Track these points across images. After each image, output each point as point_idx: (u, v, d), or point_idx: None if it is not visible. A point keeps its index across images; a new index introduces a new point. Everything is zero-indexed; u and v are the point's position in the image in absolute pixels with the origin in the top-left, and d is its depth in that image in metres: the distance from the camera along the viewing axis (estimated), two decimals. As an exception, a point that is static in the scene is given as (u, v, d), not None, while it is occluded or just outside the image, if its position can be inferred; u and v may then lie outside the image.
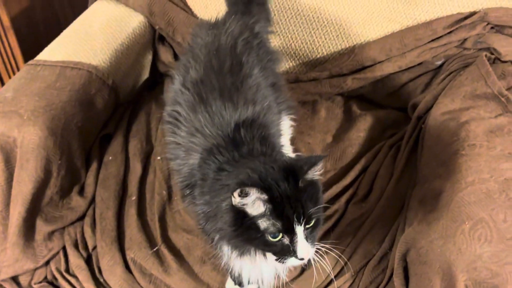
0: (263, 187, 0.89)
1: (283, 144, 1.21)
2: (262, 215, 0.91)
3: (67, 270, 1.29)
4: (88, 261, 1.28)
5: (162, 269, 1.23)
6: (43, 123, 1.23)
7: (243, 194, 0.88)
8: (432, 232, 1.09)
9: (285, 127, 1.31)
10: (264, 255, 0.99)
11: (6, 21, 1.72)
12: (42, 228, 1.28)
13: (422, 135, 1.37)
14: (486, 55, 1.40)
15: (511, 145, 1.21)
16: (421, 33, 1.44)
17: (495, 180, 1.14)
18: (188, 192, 1.11)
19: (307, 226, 0.93)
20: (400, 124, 1.49)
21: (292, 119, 1.36)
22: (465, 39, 1.43)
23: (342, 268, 1.22)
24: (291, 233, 0.92)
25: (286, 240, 0.92)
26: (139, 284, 1.23)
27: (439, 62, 1.48)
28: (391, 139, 1.45)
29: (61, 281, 1.28)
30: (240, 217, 0.92)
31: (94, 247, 1.29)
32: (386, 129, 1.49)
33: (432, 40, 1.44)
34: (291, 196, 0.91)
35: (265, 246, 0.95)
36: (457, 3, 1.44)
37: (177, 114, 1.13)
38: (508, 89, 1.32)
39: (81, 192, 1.34)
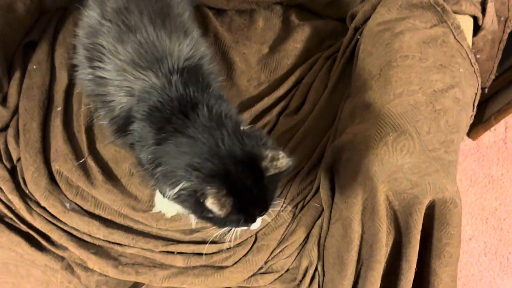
0: (230, 192, 0.92)
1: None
2: (226, 213, 0.94)
3: (-9, 182, 1.30)
4: (13, 172, 1.30)
5: (88, 181, 1.26)
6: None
7: (213, 207, 0.91)
8: (357, 144, 1.14)
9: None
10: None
11: None
12: (-36, 139, 1.29)
13: (358, 47, 1.38)
14: (424, -38, 1.40)
15: (444, 57, 1.24)
16: None
17: (424, 92, 1.18)
18: (120, 134, 1.13)
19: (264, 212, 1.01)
20: (338, 35, 1.51)
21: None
22: None
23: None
24: (251, 220, 1.00)
25: (243, 222, 1.00)
26: (65, 196, 1.26)
27: (379, -31, 1.46)
28: (328, 51, 1.47)
29: (-15, 193, 1.30)
30: (197, 200, 0.94)
31: (19, 159, 1.30)
32: (323, 40, 1.51)
33: None
34: (256, 195, 0.96)
35: (220, 223, 1.01)
36: None
37: (100, 46, 1.10)
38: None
39: (3, 103, 1.35)
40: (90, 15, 1.15)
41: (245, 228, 1.03)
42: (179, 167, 0.97)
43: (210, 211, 0.92)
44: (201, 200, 0.92)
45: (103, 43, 1.09)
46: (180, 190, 0.96)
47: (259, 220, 1.01)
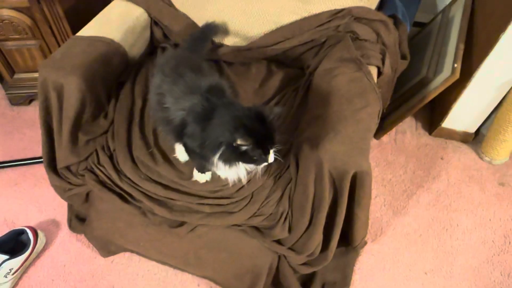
0: (250, 135, 0.92)
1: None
2: (249, 149, 0.94)
3: (99, 163, 1.28)
4: (111, 157, 1.27)
5: (153, 162, 1.23)
6: (79, 74, 1.19)
7: (241, 142, 0.92)
8: (312, 140, 1.11)
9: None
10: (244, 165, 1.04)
11: (61, 12, 1.62)
12: (82, 137, 1.26)
13: (311, 83, 1.36)
14: (350, 35, 1.39)
15: (361, 89, 1.23)
16: (312, 21, 1.41)
17: (349, 109, 1.16)
18: (179, 138, 1.10)
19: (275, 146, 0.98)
20: (300, 77, 1.47)
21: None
22: (339, 25, 1.40)
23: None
24: (267, 153, 0.97)
25: (263, 156, 0.97)
26: (140, 170, 1.23)
27: (323, 39, 1.45)
28: (294, 86, 1.44)
29: (96, 170, 1.28)
30: (234, 147, 0.94)
31: (114, 150, 1.27)
32: (291, 80, 1.47)
33: (319, 26, 1.41)
34: (265, 133, 0.95)
35: (250, 161, 0.99)
36: (334, 3, 1.40)
37: (163, 93, 1.09)
38: (361, 56, 1.31)
39: (105, 117, 1.32)
40: (156, 77, 1.15)
41: (265, 163, 1.00)
42: (216, 136, 0.96)
43: (241, 149, 0.93)
44: (234, 144, 0.92)
45: (165, 92, 1.09)
46: (222, 150, 0.95)
47: (272, 154, 0.99)
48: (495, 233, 1.61)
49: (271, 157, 0.99)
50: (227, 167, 1.01)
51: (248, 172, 1.10)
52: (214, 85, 1.09)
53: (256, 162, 0.99)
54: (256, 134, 0.93)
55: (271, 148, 0.98)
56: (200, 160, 1.11)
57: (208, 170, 1.19)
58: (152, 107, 1.20)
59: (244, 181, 1.14)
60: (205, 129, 0.99)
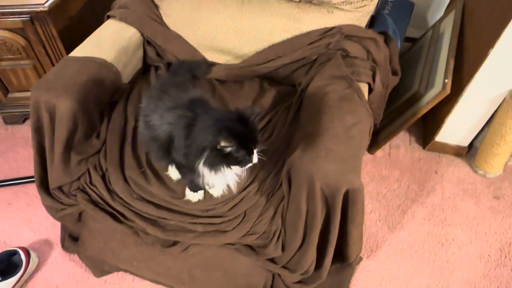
0: (233, 135, 0.93)
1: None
2: (233, 151, 0.95)
3: (91, 182, 1.27)
4: (103, 177, 1.27)
5: (146, 182, 1.23)
6: (71, 95, 1.20)
7: (225, 144, 0.92)
8: (303, 157, 1.12)
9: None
10: (230, 168, 1.02)
11: (55, 32, 1.63)
12: (74, 157, 1.26)
13: (303, 101, 1.37)
14: (340, 53, 1.40)
15: (352, 106, 1.24)
16: (303, 40, 1.43)
17: (341, 126, 1.17)
18: (166, 155, 1.12)
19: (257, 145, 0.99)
20: (292, 94, 1.48)
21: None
22: (329, 43, 1.42)
23: (255, 178, 1.23)
24: (251, 153, 0.97)
25: (248, 156, 0.97)
26: (133, 190, 1.23)
27: (314, 57, 1.46)
28: (286, 103, 1.44)
29: (88, 190, 1.27)
30: (217, 150, 0.95)
31: (106, 169, 1.27)
32: (283, 97, 1.48)
33: (310, 44, 1.43)
34: (247, 134, 0.96)
35: (235, 163, 0.99)
36: (325, 21, 1.42)
37: (150, 116, 1.12)
38: (352, 73, 1.33)
39: (97, 136, 1.31)
40: (143, 103, 1.17)
41: (250, 164, 1.00)
42: (200, 141, 0.96)
43: (225, 151, 0.94)
44: (218, 147, 0.93)
45: (150, 112, 1.11)
46: (206, 155, 0.96)
47: (256, 154, 0.99)
48: (491, 247, 1.60)
49: (255, 157, 0.99)
50: (213, 173, 1.01)
51: (237, 175, 1.11)
52: (197, 98, 1.12)
53: (241, 163, 0.99)
54: (239, 135, 0.94)
55: (255, 148, 0.98)
56: (190, 175, 1.11)
57: (201, 189, 1.19)
58: (141, 132, 1.21)
59: (234, 189, 1.15)
60: (189, 136, 1.00)
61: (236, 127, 0.95)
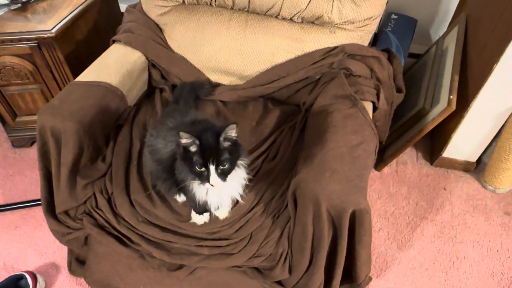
0: (197, 136, 0.94)
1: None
2: (194, 153, 0.95)
3: (97, 206, 1.27)
4: (109, 201, 1.27)
5: (152, 205, 1.23)
6: (77, 119, 1.21)
7: (185, 139, 0.94)
8: (308, 178, 1.11)
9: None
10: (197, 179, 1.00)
11: (61, 57, 1.65)
12: (80, 181, 1.26)
13: (307, 120, 1.37)
14: (344, 72, 1.40)
15: (357, 125, 1.23)
16: (306, 59, 1.44)
17: (346, 146, 1.16)
18: (171, 176, 1.11)
19: (220, 167, 0.96)
20: (296, 114, 1.48)
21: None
22: (332, 62, 1.43)
23: (260, 199, 1.22)
24: (207, 168, 0.95)
25: (206, 172, 0.96)
26: (138, 213, 1.23)
27: (318, 76, 1.47)
28: (290, 123, 1.45)
29: (94, 213, 1.27)
30: (183, 149, 0.97)
31: (112, 193, 1.27)
32: (287, 117, 1.48)
33: (313, 63, 1.44)
34: (212, 146, 0.95)
35: (195, 174, 0.97)
36: (327, 41, 1.43)
37: (152, 140, 1.15)
38: (355, 92, 1.33)
39: (103, 160, 1.32)
40: (147, 136, 1.20)
41: (207, 183, 0.96)
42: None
43: (189, 151, 0.96)
44: (181, 143, 0.95)
45: (154, 140, 1.14)
46: (179, 152, 1.00)
47: (213, 172, 0.95)
48: (504, 264, 1.57)
49: (213, 177, 0.95)
50: (201, 187, 1.00)
51: (232, 196, 1.10)
52: (200, 119, 1.13)
53: (201, 178, 0.97)
54: (204, 144, 0.94)
55: (212, 164, 0.94)
56: (189, 195, 1.10)
57: (206, 211, 1.18)
58: (147, 163, 1.22)
59: (229, 205, 1.16)
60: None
61: (206, 138, 0.94)
